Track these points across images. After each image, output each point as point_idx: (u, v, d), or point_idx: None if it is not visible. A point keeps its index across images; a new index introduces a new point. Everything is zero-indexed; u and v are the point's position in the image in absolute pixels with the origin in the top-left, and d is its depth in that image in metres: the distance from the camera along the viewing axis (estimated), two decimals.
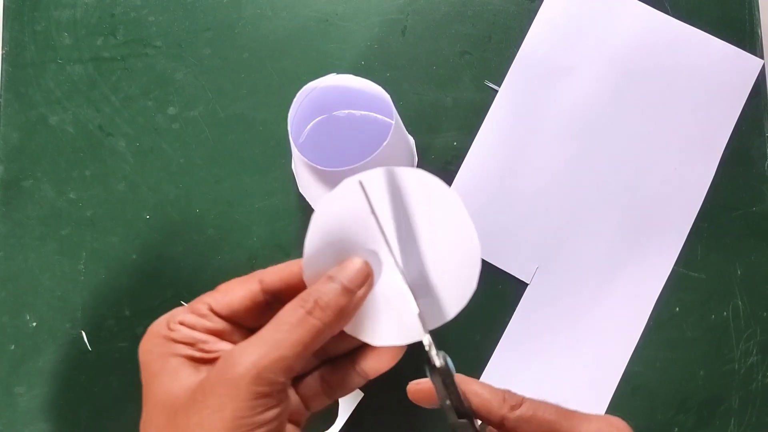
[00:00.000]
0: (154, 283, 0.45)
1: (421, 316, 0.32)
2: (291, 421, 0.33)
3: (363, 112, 0.44)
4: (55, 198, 0.45)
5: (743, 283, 0.45)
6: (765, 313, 0.45)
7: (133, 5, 0.47)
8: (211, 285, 0.33)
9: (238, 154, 0.46)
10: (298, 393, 0.35)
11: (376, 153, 0.36)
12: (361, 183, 0.32)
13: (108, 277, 0.45)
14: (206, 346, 0.31)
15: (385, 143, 0.36)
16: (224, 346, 0.31)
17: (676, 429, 0.44)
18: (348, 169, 0.36)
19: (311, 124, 0.43)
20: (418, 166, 0.45)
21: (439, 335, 0.32)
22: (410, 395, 0.32)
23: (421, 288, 0.32)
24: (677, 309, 0.45)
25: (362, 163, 0.36)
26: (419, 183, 0.32)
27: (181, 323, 0.31)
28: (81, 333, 0.44)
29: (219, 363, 0.29)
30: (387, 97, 0.39)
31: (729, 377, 0.45)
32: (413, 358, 0.33)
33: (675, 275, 0.45)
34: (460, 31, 0.47)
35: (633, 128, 0.46)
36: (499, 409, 0.30)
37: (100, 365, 0.44)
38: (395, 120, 0.39)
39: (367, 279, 0.31)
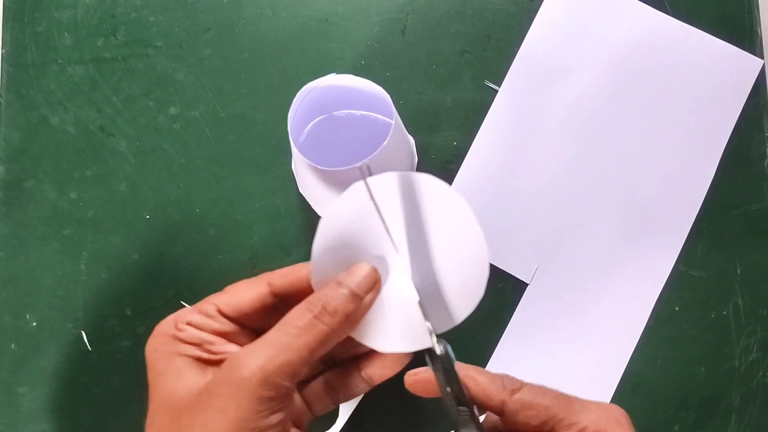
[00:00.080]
0: (155, 283, 0.45)
1: (427, 318, 0.32)
2: (294, 424, 0.33)
3: (363, 112, 0.44)
4: (56, 198, 0.46)
5: (743, 281, 0.45)
6: (765, 311, 0.45)
7: (133, 6, 0.47)
8: (211, 284, 0.33)
9: (238, 154, 0.46)
10: (302, 396, 0.35)
11: (376, 153, 0.36)
12: (369, 188, 0.32)
13: (109, 277, 0.45)
14: (213, 347, 0.31)
15: (385, 143, 0.36)
16: (231, 347, 0.31)
17: (677, 427, 0.44)
18: (348, 168, 0.36)
19: (311, 124, 0.44)
20: (418, 165, 0.45)
21: (439, 334, 0.32)
22: (408, 386, 0.32)
23: (428, 293, 0.32)
24: (677, 307, 0.45)
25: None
26: (428, 188, 0.32)
27: (189, 323, 0.31)
28: (82, 333, 0.44)
29: (225, 365, 0.29)
30: (387, 96, 0.39)
31: (729, 375, 0.45)
32: (415, 359, 0.33)
33: (675, 274, 0.45)
34: (459, 31, 0.47)
35: (633, 128, 0.46)
36: (498, 394, 0.30)
37: (101, 365, 0.44)
38: (395, 120, 0.39)
39: (375, 285, 0.31)
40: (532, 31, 0.47)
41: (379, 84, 0.39)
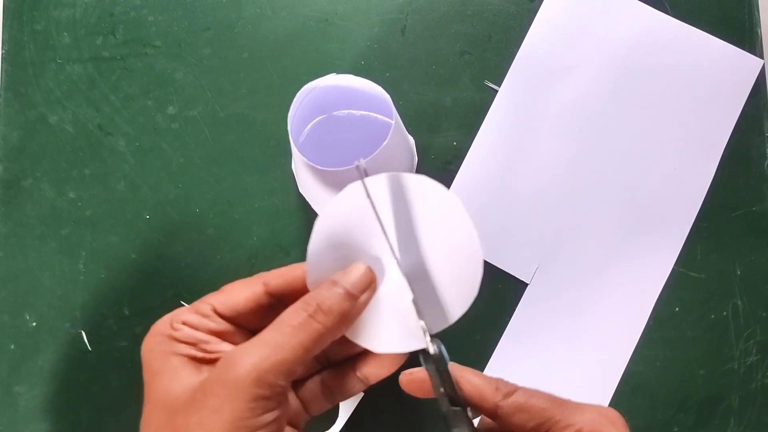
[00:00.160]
0: (153, 283, 0.45)
1: (422, 318, 0.32)
2: (290, 424, 0.33)
3: (363, 112, 0.44)
4: (54, 197, 0.45)
5: (743, 282, 0.45)
6: (765, 313, 0.45)
7: (132, 5, 0.47)
8: (210, 284, 0.33)
9: (237, 154, 0.46)
10: (298, 396, 0.35)
11: (376, 153, 0.36)
12: (365, 188, 0.32)
13: (108, 277, 0.45)
14: (208, 347, 0.31)
15: (385, 143, 0.36)
16: (226, 347, 0.31)
17: (676, 428, 0.44)
18: (348, 169, 0.36)
19: (311, 124, 0.43)
20: (418, 165, 0.45)
21: (439, 335, 0.32)
22: (402, 385, 0.32)
23: (423, 293, 0.32)
24: (677, 308, 0.45)
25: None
26: (422, 188, 0.32)
27: (184, 323, 0.31)
28: (81, 332, 0.44)
29: (220, 364, 0.29)
30: (387, 97, 0.39)
31: (729, 376, 0.45)
32: (411, 358, 0.33)
33: (675, 275, 0.45)
34: (459, 31, 0.47)
35: (633, 128, 0.46)
36: (492, 397, 0.30)
37: (100, 365, 0.44)
38: (395, 120, 0.39)
39: (370, 284, 0.31)
40: (532, 31, 0.47)
41: (379, 84, 0.39)
